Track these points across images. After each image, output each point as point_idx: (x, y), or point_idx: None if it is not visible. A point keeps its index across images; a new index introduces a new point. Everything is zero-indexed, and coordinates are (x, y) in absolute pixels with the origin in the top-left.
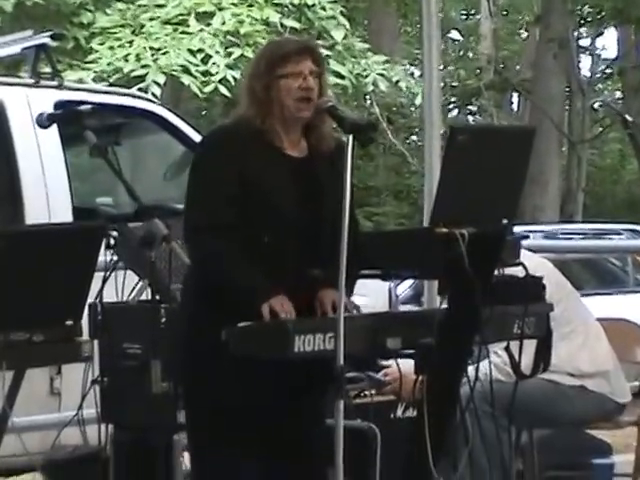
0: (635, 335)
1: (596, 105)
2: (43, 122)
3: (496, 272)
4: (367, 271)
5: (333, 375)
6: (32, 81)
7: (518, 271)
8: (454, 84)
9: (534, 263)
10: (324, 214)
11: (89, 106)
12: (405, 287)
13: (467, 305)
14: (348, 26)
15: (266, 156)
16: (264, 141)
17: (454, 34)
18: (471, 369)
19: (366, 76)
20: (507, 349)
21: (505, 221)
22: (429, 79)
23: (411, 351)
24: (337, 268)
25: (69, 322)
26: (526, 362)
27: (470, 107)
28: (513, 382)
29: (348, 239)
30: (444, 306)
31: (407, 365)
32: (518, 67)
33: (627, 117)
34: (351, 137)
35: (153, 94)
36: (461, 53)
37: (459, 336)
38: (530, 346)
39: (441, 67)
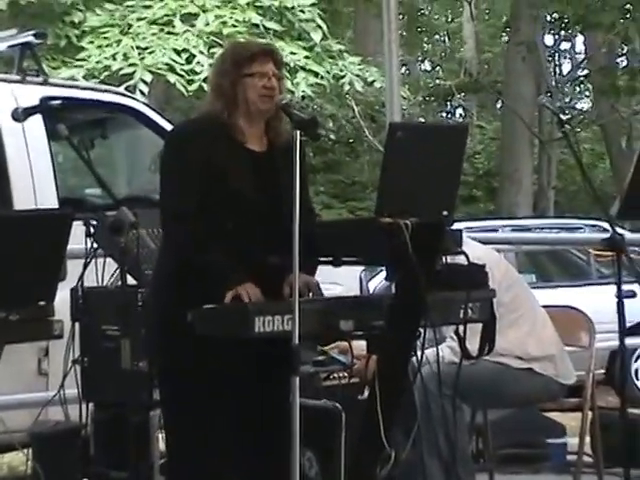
0: (580, 321)
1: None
2: (18, 116)
3: (441, 260)
4: (319, 258)
5: (289, 353)
6: (18, 77)
7: (463, 260)
8: (441, 83)
9: (482, 253)
10: (283, 203)
11: (59, 101)
12: (381, 279)
13: (413, 290)
14: (326, 28)
15: (229, 149)
16: (227, 135)
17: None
18: (429, 352)
19: (343, 76)
20: (457, 333)
21: (445, 213)
22: (390, 74)
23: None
24: (292, 254)
25: (42, 303)
26: (473, 344)
27: (456, 107)
28: (458, 363)
29: (305, 227)
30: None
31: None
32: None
33: (561, 117)
34: (298, 132)
35: (140, 91)
36: (445, 55)
37: (406, 319)
38: (477, 330)
39: (429, 68)
